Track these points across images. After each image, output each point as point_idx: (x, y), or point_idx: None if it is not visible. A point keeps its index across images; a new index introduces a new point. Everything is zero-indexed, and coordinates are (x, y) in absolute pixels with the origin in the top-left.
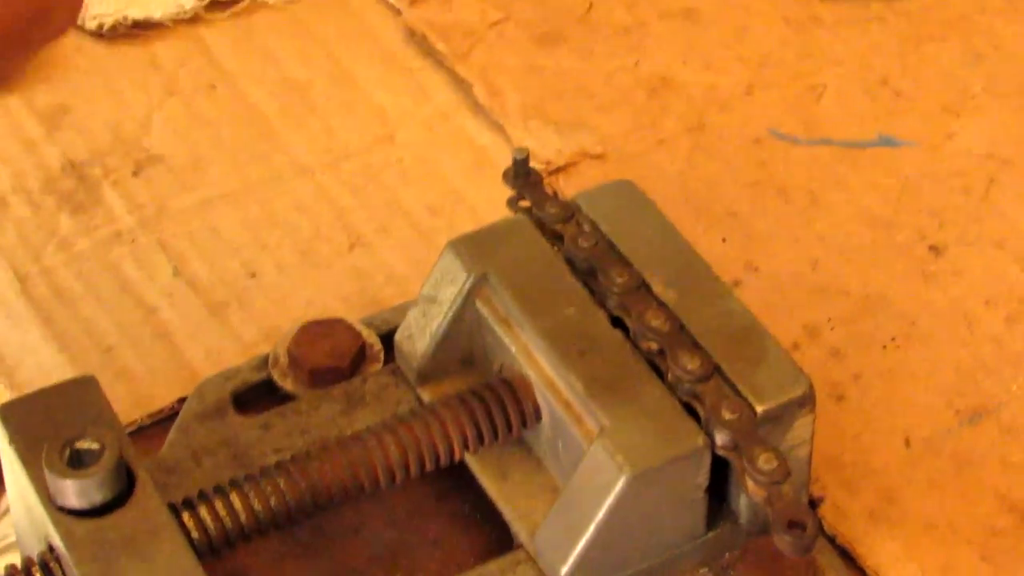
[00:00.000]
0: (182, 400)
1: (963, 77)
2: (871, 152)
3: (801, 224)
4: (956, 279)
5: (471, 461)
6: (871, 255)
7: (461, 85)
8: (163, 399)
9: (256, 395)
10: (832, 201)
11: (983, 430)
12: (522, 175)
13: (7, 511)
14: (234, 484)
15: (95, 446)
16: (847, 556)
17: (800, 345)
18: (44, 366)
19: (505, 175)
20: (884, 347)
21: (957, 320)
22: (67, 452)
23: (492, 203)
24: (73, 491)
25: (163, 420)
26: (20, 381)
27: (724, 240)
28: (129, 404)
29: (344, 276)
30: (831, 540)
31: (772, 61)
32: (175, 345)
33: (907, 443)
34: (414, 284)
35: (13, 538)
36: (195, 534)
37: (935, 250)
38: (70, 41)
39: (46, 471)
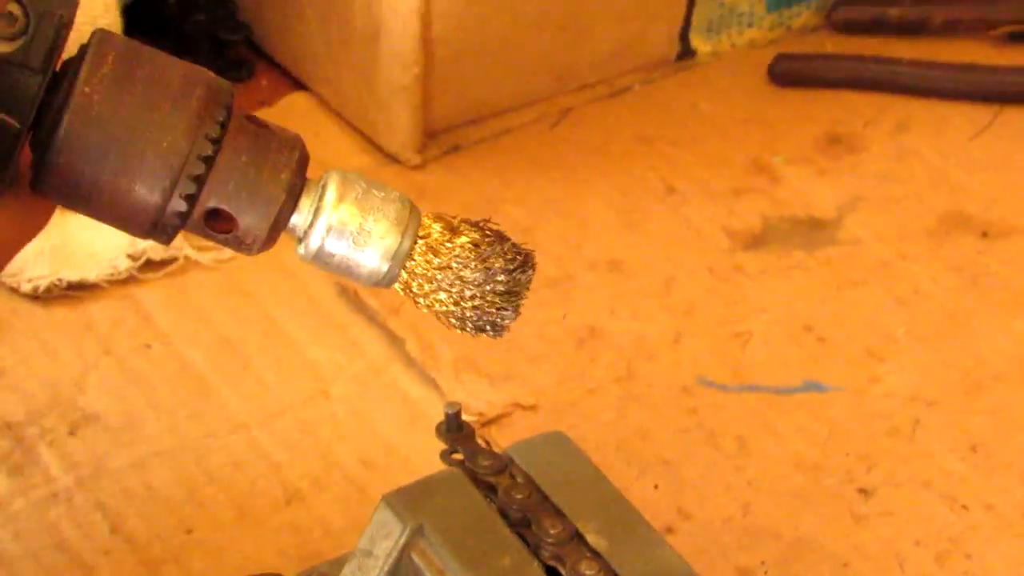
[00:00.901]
0: None
1: (885, 321)
2: (798, 397)
3: (731, 470)
4: (886, 520)
5: None
6: (801, 498)
7: (393, 340)
8: None
9: None
10: (761, 446)
11: None
12: (454, 429)
13: None
14: None
15: None
16: None
17: None
18: None
19: (438, 429)
20: None
21: (888, 561)
22: None
23: (426, 456)
24: None
25: None
26: None
27: (656, 487)
28: None
29: (281, 531)
30: None
31: (698, 310)
32: None
33: None
34: (351, 537)
35: None
36: None
37: (864, 492)
38: (5, 303)
39: None
